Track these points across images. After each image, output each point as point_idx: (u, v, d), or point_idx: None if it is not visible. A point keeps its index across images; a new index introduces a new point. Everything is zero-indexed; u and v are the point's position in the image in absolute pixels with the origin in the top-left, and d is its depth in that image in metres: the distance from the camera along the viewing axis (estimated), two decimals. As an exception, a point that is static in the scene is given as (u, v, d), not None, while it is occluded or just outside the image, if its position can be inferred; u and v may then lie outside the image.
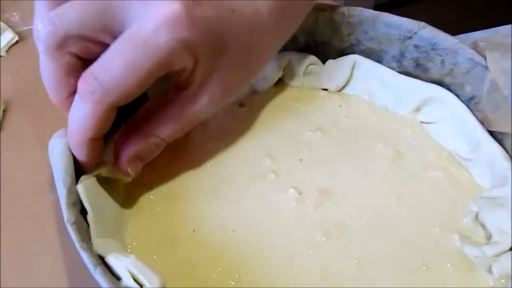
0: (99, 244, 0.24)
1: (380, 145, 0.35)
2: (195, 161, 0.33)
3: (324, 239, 0.29)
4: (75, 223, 0.23)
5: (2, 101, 0.41)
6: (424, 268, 0.28)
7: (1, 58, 0.46)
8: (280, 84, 0.40)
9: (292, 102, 0.38)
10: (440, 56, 0.36)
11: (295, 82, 0.39)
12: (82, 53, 0.26)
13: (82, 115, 0.25)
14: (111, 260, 0.23)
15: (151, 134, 0.28)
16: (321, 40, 0.40)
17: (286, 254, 0.28)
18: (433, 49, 0.36)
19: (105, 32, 0.25)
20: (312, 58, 0.40)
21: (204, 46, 0.26)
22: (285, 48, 0.40)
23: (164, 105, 0.29)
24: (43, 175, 0.36)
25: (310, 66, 0.40)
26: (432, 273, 0.28)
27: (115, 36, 0.25)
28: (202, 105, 0.29)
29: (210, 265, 0.28)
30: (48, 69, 0.26)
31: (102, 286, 0.21)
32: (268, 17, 0.29)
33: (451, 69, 0.36)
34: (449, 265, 0.28)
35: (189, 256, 0.28)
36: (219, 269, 0.27)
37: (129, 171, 0.29)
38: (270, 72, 0.39)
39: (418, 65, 0.38)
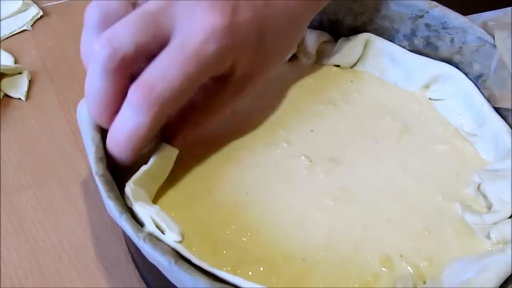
0: (133, 189, 0.26)
1: (389, 119, 0.36)
2: (210, 129, 0.35)
3: (332, 203, 0.31)
4: (103, 176, 0.25)
5: (28, 72, 0.43)
6: (426, 232, 0.30)
7: (27, 32, 0.48)
8: (294, 60, 0.41)
9: (305, 77, 0.40)
10: (450, 34, 0.37)
11: (309, 59, 0.41)
12: (136, 70, 0.26)
13: (135, 125, 0.25)
14: (137, 208, 0.24)
15: (200, 122, 0.31)
16: (334, 19, 0.41)
17: (295, 215, 0.30)
18: (443, 27, 0.38)
19: (156, 45, 0.26)
20: (326, 36, 0.41)
21: (245, 45, 0.28)
22: (300, 26, 0.41)
23: (208, 95, 0.30)
24: (67, 141, 0.38)
25: (323, 44, 0.41)
26: (434, 237, 0.29)
27: (162, 46, 0.25)
28: (247, 92, 0.31)
29: (224, 224, 0.29)
30: (101, 89, 0.26)
31: (127, 232, 0.23)
32: (298, 5, 0.31)
33: (460, 47, 0.37)
34: (450, 230, 0.30)
35: (204, 216, 0.30)
36: (233, 227, 0.29)
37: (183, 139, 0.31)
38: (285, 48, 0.40)
39: (428, 43, 0.39)
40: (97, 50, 0.25)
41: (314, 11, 0.35)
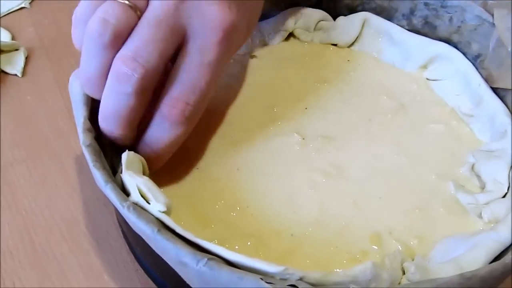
0: (129, 158, 0.26)
1: (385, 98, 0.36)
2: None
3: (324, 180, 0.31)
4: (90, 146, 0.25)
5: (25, 49, 0.43)
6: (417, 210, 0.29)
7: (25, 9, 0.47)
8: (291, 38, 0.41)
9: (301, 56, 0.39)
10: (449, 13, 0.37)
11: (306, 37, 0.40)
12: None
13: (171, 137, 0.27)
14: (125, 176, 0.24)
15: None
16: (332, -3, 0.41)
17: (286, 191, 0.30)
18: (442, 6, 0.37)
19: (175, 47, 0.26)
20: (323, 14, 0.41)
21: (243, 35, 0.30)
22: (298, 4, 0.41)
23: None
24: (62, 117, 0.38)
25: (321, 22, 0.41)
26: (425, 215, 0.29)
27: (180, 46, 0.26)
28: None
29: (213, 199, 0.29)
30: (128, 107, 0.25)
31: (112, 200, 0.23)
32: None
33: (459, 27, 0.36)
34: (442, 209, 0.29)
35: (193, 191, 0.29)
36: (222, 202, 0.29)
37: None
38: (282, 26, 0.40)
39: (426, 22, 0.38)
40: (127, 73, 0.24)
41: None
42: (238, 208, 0.29)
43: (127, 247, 0.30)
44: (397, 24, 0.39)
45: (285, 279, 0.21)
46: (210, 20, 0.26)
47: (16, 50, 0.42)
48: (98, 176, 0.24)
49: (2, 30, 0.44)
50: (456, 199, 0.30)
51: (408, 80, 0.38)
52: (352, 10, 0.41)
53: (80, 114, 0.27)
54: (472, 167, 0.32)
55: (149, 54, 0.24)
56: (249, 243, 0.27)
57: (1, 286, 0.29)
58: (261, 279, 0.20)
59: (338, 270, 0.23)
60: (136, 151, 0.27)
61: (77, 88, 0.28)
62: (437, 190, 0.31)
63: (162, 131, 0.27)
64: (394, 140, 0.33)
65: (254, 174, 0.31)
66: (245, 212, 0.29)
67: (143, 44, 0.24)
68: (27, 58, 0.42)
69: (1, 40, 0.42)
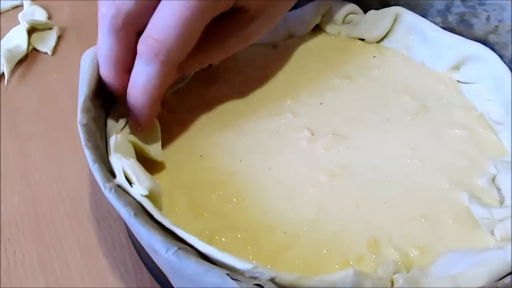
0: (117, 141, 0.26)
1: (407, 98, 0.34)
2: (217, 93, 0.34)
3: (328, 179, 0.29)
4: (85, 126, 0.25)
5: (58, 28, 0.44)
6: (423, 220, 0.27)
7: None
8: (317, 30, 0.39)
9: (325, 49, 0.38)
10: (487, 12, 0.34)
11: (333, 30, 0.39)
12: (142, 27, 0.26)
13: (147, 77, 0.26)
14: (113, 159, 0.24)
15: (212, 54, 0.30)
16: (364, -11, 0.39)
17: (287, 188, 0.29)
18: (480, 4, 0.34)
19: None
20: (353, 7, 0.39)
21: None
22: (328, -5, 0.39)
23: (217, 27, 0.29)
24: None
25: (350, 15, 0.39)
26: (431, 226, 0.27)
27: None
28: (257, 25, 0.30)
29: (211, 188, 0.29)
30: (110, 49, 0.27)
31: (97, 180, 0.23)
32: None
33: (496, 26, 0.34)
34: (451, 221, 0.27)
35: (192, 179, 0.29)
36: (220, 192, 0.29)
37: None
38: (308, 17, 0.38)
39: (462, 20, 0.36)
40: (103, 12, 0.26)
41: None
42: (234, 200, 0.28)
43: (125, 228, 0.31)
44: (431, 21, 0.37)
45: (254, 277, 0.20)
46: None
47: (50, 29, 0.44)
48: (88, 155, 0.24)
49: (39, 9, 0.46)
50: (468, 212, 0.28)
51: (436, 81, 0.35)
52: (384, 4, 0.39)
53: (82, 93, 0.27)
54: (493, 179, 0.29)
55: None
56: (239, 236, 0.27)
57: (3, 254, 0.30)
58: (228, 274, 0.19)
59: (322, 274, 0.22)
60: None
61: (85, 67, 0.28)
62: (449, 200, 0.28)
63: (138, 71, 0.26)
64: (409, 143, 0.31)
65: (256, 167, 0.30)
66: (240, 205, 0.28)
67: None
68: (59, 38, 0.44)
69: (37, 18, 0.44)
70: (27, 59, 0.42)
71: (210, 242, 0.25)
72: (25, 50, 0.41)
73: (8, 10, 0.46)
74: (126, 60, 0.27)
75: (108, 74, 0.28)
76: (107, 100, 0.29)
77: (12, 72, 0.40)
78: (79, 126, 0.25)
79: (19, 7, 0.46)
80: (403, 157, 0.30)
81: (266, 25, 0.31)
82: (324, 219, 0.28)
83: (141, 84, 0.26)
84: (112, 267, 0.29)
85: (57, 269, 0.29)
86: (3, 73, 0.40)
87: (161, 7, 0.25)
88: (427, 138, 0.32)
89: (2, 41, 0.41)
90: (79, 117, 0.26)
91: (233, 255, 0.21)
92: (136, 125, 0.28)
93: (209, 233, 0.26)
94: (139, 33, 0.26)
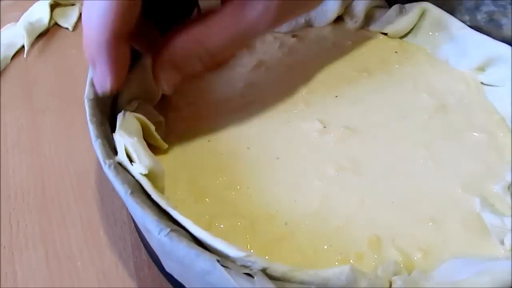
0: (124, 118, 0.25)
1: (427, 96, 0.33)
2: (231, 79, 0.34)
3: (336, 173, 0.29)
4: (92, 101, 0.25)
5: (81, 4, 0.44)
6: (431, 223, 0.26)
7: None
8: (339, 22, 0.38)
9: (346, 41, 0.37)
10: (518, 11, 0.32)
11: (355, 22, 0.38)
12: None
13: (101, 8, 0.22)
14: (116, 136, 0.24)
15: (198, 43, 0.25)
16: (391, -18, 0.38)
17: (292, 179, 0.28)
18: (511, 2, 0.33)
19: None
20: (378, 0, 0.38)
21: None
22: (353, -14, 0.38)
23: (216, 14, 0.25)
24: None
25: (374, 8, 0.38)
26: (438, 229, 0.26)
27: None
28: (257, 15, 0.25)
29: (216, 173, 0.28)
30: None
31: (98, 156, 0.23)
32: None
33: (527, 27, 0.32)
34: (459, 226, 0.26)
35: (197, 163, 0.29)
36: (224, 178, 0.28)
37: (164, 80, 0.26)
38: (331, 7, 0.37)
39: (491, 20, 0.34)
40: None
41: None
42: (238, 187, 0.28)
43: (127, 208, 0.30)
44: (459, 19, 0.35)
45: (246, 266, 0.20)
46: None
47: (73, 5, 0.44)
48: (91, 130, 0.24)
49: (64, -16, 0.46)
50: (479, 218, 0.27)
51: (458, 80, 0.34)
52: (411, -2, 0.37)
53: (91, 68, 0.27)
54: (509, 186, 0.28)
55: None
56: (239, 224, 0.26)
57: (7, 223, 0.30)
58: (218, 261, 0.19)
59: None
60: None
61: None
62: (460, 204, 0.27)
63: (90, 5, 0.22)
64: (425, 142, 0.30)
65: (264, 155, 0.29)
66: (243, 192, 0.28)
67: None
68: (81, 14, 0.44)
69: (60, -7, 0.44)
70: (48, 33, 0.42)
71: (208, 227, 0.26)
72: (47, 24, 0.42)
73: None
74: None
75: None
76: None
77: (32, 45, 0.41)
78: (85, 101, 0.25)
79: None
80: (416, 156, 0.29)
81: (270, 9, 0.25)
82: (327, 213, 0.27)
83: (96, 16, 0.22)
84: (111, 244, 0.29)
85: (57, 241, 0.29)
86: (23, 46, 0.40)
87: None
88: (443, 139, 0.30)
89: (25, 14, 0.42)
90: (87, 92, 0.26)
91: (227, 242, 0.20)
92: (102, 85, 0.24)
93: (209, 219, 0.26)
94: None
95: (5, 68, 0.39)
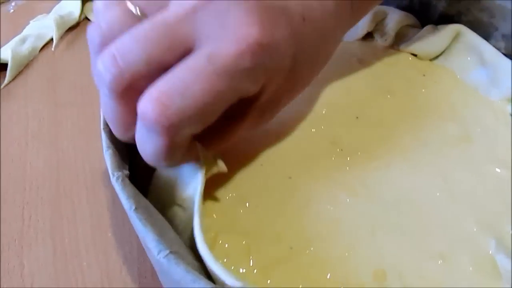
0: None
1: (451, 124, 0.32)
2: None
3: (347, 199, 0.28)
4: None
5: (113, -2, 0.44)
6: (440, 260, 0.26)
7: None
8: (368, 38, 0.37)
9: (373, 59, 0.36)
10: (557, 44, 0.31)
11: (385, 40, 0.37)
12: (148, 86, 0.21)
13: (154, 148, 0.21)
14: None
15: (212, 145, 0.26)
16: (426, 1, 0.37)
17: (302, 200, 0.28)
18: (551, 34, 0.31)
19: (173, 57, 0.21)
20: (411, 19, 0.37)
21: (279, 68, 0.23)
22: (385, 3, 0.37)
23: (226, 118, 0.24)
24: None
25: (406, 27, 0.37)
26: (447, 267, 0.25)
27: (180, 57, 0.21)
28: (268, 118, 0.27)
29: (225, 188, 0.28)
30: (113, 111, 0.22)
31: (107, 166, 0.23)
32: (334, 14, 0.26)
33: None
34: (470, 266, 0.25)
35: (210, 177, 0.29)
36: (233, 194, 0.28)
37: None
38: (361, 23, 0.37)
39: (528, 49, 0.33)
40: (101, 71, 0.21)
41: (348, 27, 0.30)
42: (247, 205, 0.28)
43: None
44: (493, 45, 0.34)
45: (242, 295, 0.19)
46: (232, 29, 0.20)
47: None
48: (103, 139, 0.24)
49: (98, -22, 0.46)
50: (492, 260, 0.26)
51: (487, 110, 0.33)
52: (445, 19, 0.36)
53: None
54: (528, 229, 0.27)
55: (132, 54, 0.20)
56: (244, 242, 0.26)
57: (20, 216, 0.31)
58: (214, 288, 0.19)
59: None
60: None
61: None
62: (473, 243, 0.26)
63: (142, 137, 0.22)
64: (443, 173, 0.29)
65: (276, 173, 0.29)
66: (252, 211, 0.27)
67: (129, 41, 0.20)
68: (112, 9, 0.44)
69: (93, -13, 0.44)
70: (77, 27, 0.42)
71: (213, 243, 0.25)
72: (77, 18, 0.42)
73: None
74: (135, 122, 0.22)
75: (121, 136, 0.24)
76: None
77: (61, 38, 0.41)
78: (102, 110, 0.25)
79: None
80: (433, 187, 0.29)
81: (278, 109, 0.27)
82: (334, 239, 0.26)
83: (150, 153, 0.22)
84: (118, 246, 0.29)
85: (66, 238, 0.30)
86: (52, 38, 0.41)
87: (185, 68, 0.20)
88: (463, 172, 0.29)
89: (56, 7, 0.42)
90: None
91: (225, 269, 0.20)
92: None
93: (214, 235, 0.26)
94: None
95: (33, 60, 0.40)
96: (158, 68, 0.21)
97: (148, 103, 0.20)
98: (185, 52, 0.21)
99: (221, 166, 0.25)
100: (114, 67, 0.20)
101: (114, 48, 0.20)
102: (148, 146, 0.21)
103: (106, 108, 0.22)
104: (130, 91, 0.21)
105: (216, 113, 0.22)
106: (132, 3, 0.21)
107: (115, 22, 0.21)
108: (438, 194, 0.28)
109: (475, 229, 0.27)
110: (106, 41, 0.21)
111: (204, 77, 0.20)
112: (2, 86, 0.38)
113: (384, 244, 0.26)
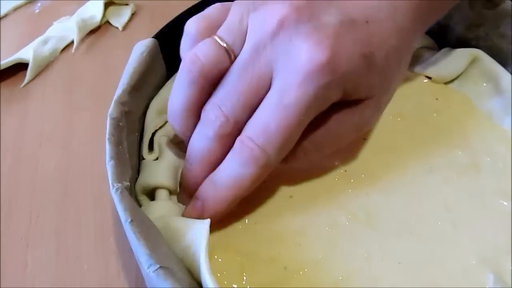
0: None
1: (460, 152, 0.31)
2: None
3: (347, 222, 0.28)
4: (114, 119, 0.26)
5: (134, 5, 0.45)
6: (436, 293, 0.25)
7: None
8: (383, 58, 0.37)
9: (386, 80, 0.36)
10: None
11: (400, 61, 0.36)
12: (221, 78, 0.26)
13: (239, 176, 0.25)
14: None
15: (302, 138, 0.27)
16: (445, 23, 0.36)
17: (301, 221, 0.28)
18: None
19: (261, 94, 0.25)
20: (427, 40, 0.36)
21: (352, 72, 0.25)
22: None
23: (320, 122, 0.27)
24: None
25: (422, 49, 0.36)
26: (442, 301, 0.25)
27: (267, 91, 0.25)
28: (375, 113, 0.28)
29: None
30: (208, 150, 0.26)
31: (108, 177, 0.24)
32: (405, 12, 0.26)
33: None
34: (466, 301, 0.25)
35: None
36: (234, 209, 0.28)
37: None
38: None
39: (546, 80, 0.32)
40: (210, 117, 0.25)
41: (426, 22, 0.30)
42: (246, 222, 0.28)
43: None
44: (511, 73, 0.33)
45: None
46: (295, 59, 0.24)
47: (126, 5, 0.45)
48: (107, 150, 0.25)
49: (121, -17, 0.47)
50: (489, 296, 0.25)
51: (499, 140, 0.32)
52: (463, 43, 0.36)
53: (121, 85, 0.28)
54: (529, 266, 0.26)
55: (232, 105, 0.25)
56: (238, 259, 0.26)
57: (28, 215, 0.32)
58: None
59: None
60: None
61: (132, 59, 0.29)
62: (471, 277, 0.26)
63: (230, 167, 0.25)
64: (447, 202, 0.29)
65: (278, 192, 0.29)
66: (250, 228, 0.28)
67: (228, 94, 0.25)
68: (133, 15, 0.45)
69: (115, -7, 0.45)
70: (98, 30, 0.43)
71: (208, 258, 0.26)
72: (98, 22, 0.43)
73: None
74: (196, 109, 0.26)
75: (199, 167, 0.27)
76: (148, 92, 0.30)
77: (82, 41, 0.42)
78: (108, 119, 0.26)
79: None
80: (435, 217, 0.28)
81: (379, 110, 0.28)
82: (329, 263, 0.26)
83: (228, 180, 0.25)
84: (118, 252, 0.30)
85: (69, 240, 0.30)
86: (73, 40, 0.42)
87: (265, 109, 0.24)
88: (468, 202, 0.29)
89: (79, 9, 0.43)
90: (111, 110, 0.26)
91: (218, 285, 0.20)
92: (195, 211, 0.26)
93: (210, 249, 0.26)
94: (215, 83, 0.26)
95: (53, 61, 0.41)
96: (252, 111, 0.25)
97: (241, 142, 0.25)
98: (268, 86, 0.25)
99: None
100: (222, 117, 0.25)
101: (218, 100, 0.25)
102: (233, 174, 0.25)
103: (200, 147, 0.26)
104: (204, 80, 0.25)
105: (295, 138, 0.25)
106: (220, 40, 0.26)
107: (211, 56, 0.25)
108: (440, 223, 0.28)
109: (474, 262, 0.26)
110: (205, 74, 0.25)
111: (277, 115, 0.24)
112: (21, 86, 0.39)
113: (379, 272, 0.26)
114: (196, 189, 0.27)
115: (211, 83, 0.26)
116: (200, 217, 0.26)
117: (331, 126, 0.27)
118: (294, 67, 0.23)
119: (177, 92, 0.26)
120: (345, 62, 0.24)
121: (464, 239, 0.27)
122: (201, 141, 0.26)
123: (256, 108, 0.25)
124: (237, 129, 0.25)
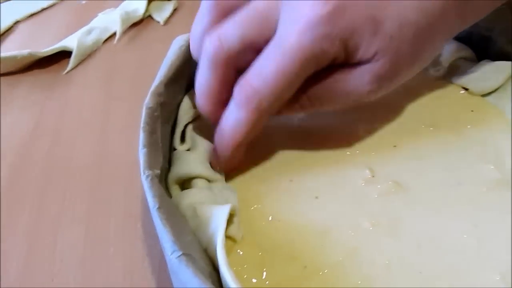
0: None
1: (491, 167, 0.31)
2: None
3: (370, 228, 0.28)
4: (150, 109, 0.27)
5: (177, 1, 0.46)
6: (456, 306, 0.25)
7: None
8: (420, 67, 0.37)
9: (422, 89, 0.35)
10: None
11: (437, 71, 0.36)
12: (242, 65, 0.27)
13: (236, 121, 0.26)
14: None
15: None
16: (487, 35, 0.36)
17: (324, 223, 0.28)
18: None
19: (263, 40, 0.26)
20: (467, 51, 0.36)
21: (356, 29, 0.25)
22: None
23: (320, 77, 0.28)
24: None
25: (461, 60, 0.36)
26: (461, 316, 0.25)
27: (269, 40, 0.26)
28: (396, 79, 0.28)
29: (251, 201, 0.29)
30: (207, 81, 0.27)
31: (140, 164, 0.25)
32: None
33: None
34: (486, 318, 0.25)
35: (239, 188, 0.30)
36: (259, 206, 0.29)
37: None
38: (414, 51, 0.36)
39: None
40: (207, 45, 0.27)
41: (461, 15, 0.28)
42: (269, 218, 0.28)
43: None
44: (552, 90, 0.33)
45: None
46: (299, 8, 0.24)
47: (169, 0, 0.46)
48: (141, 138, 0.25)
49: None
50: (510, 314, 0.25)
51: (534, 157, 0.31)
52: (504, 56, 0.35)
53: (159, 77, 0.29)
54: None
55: (231, 34, 0.26)
56: (259, 254, 0.27)
57: (62, 195, 0.33)
58: (217, 295, 0.20)
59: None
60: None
61: (171, 52, 0.30)
62: (494, 293, 0.25)
63: (230, 113, 0.27)
64: (474, 217, 0.28)
65: (304, 191, 0.29)
66: (273, 225, 0.28)
67: (230, 25, 0.26)
68: (175, 10, 0.46)
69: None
70: (140, 23, 0.45)
71: (229, 251, 0.26)
72: (141, 16, 0.44)
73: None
74: (222, 94, 0.28)
75: (202, 104, 0.29)
76: (184, 84, 0.31)
77: (124, 33, 0.43)
78: (144, 108, 0.27)
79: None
80: (460, 230, 0.28)
81: (380, 81, 0.27)
82: (349, 267, 0.26)
83: (229, 126, 0.27)
84: (144, 238, 0.31)
85: (98, 223, 0.31)
86: (116, 32, 0.43)
87: (263, 54, 0.26)
88: (495, 218, 0.28)
89: (124, 2, 0.45)
90: (147, 100, 0.27)
91: (238, 280, 0.21)
92: (216, 165, 0.29)
93: (231, 244, 0.27)
94: (241, 70, 0.27)
95: (95, 50, 0.42)
96: (251, 48, 0.26)
97: (239, 86, 0.26)
98: (271, 35, 0.25)
99: None
100: (217, 42, 0.26)
101: (219, 29, 0.26)
102: (231, 119, 0.27)
103: (201, 79, 0.28)
104: (224, 64, 0.27)
105: (290, 89, 0.26)
106: None
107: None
108: (465, 237, 0.28)
109: (497, 278, 0.26)
110: (218, 15, 0.28)
111: (273, 60, 0.25)
112: (64, 72, 0.41)
113: (398, 281, 0.26)
114: (210, 120, 0.29)
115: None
116: (217, 165, 0.29)
117: (328, 83, 0.27)
118: (296, 16, 0.24)
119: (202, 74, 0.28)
120: (348, 18, 0.24)
121: (488, 255, 0.27)
122: (200, 70, 0.28)
123: (257, 51, 0.26)
124: (233, 60, 0.26)
